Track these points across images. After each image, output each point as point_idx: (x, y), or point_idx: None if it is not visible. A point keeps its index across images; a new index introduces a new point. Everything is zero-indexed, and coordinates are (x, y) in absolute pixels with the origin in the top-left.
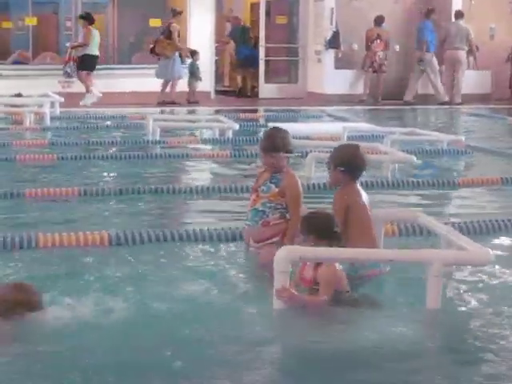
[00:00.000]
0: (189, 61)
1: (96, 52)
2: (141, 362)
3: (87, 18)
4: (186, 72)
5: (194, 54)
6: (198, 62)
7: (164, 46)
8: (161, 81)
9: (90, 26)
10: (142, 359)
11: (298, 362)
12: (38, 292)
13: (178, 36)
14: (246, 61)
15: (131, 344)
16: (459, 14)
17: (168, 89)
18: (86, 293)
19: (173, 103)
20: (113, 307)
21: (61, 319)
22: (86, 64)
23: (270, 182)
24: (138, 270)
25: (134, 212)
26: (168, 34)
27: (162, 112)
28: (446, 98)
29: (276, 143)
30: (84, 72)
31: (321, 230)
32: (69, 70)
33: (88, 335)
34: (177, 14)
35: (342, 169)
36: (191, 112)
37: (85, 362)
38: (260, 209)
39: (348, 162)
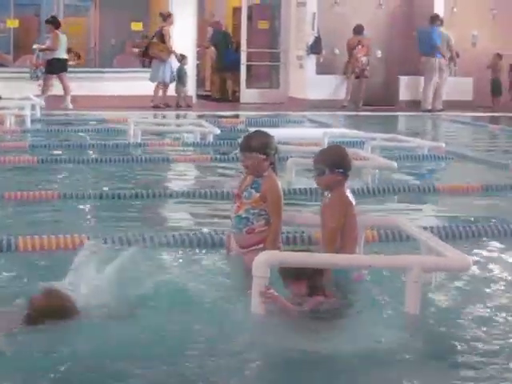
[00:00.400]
0: (177, 65)
1: (64, 55)
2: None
3: (53, 23)
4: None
5: (182, 58)
6: (185, 67)
7: (160, 48)
8: (153, 84)
9: (57, 31)
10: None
11: (278, 368)
12: (72, 298)
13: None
14: (230, 65)
15: (116, 353)
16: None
17: (160, 93)
18: None
19: (167, 106)
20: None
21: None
22: (55, 67)
23: (251, 188)
24: (118, 274)
25: (114, 216)
26: (160, 37)
27: (155, 116)
28: (429, 107)
29: (251, 143)
30: (54, 76)
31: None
32: (39, 74)
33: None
34: (167, 17)
35: (341, 170)
36: (177, 116)
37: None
38: (243, 216)
39: (342, 163)
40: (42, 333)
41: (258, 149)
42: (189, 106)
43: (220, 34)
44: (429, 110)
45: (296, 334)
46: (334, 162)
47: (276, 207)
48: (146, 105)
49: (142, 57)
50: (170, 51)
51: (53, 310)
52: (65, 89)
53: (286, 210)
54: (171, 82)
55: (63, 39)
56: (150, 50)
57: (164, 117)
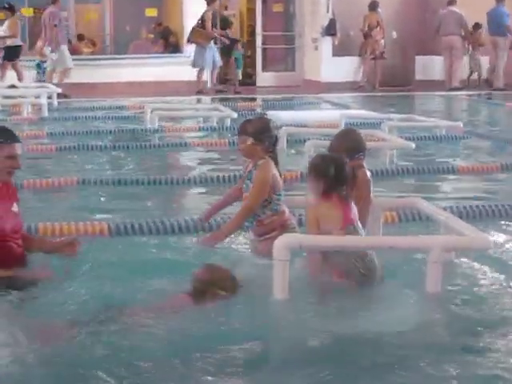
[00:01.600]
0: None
1: (20, 42)
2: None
3: (10, 9)
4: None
5: (235, 42)
6: (239, 51)
7: (198, 34)
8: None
9: (14, 17)
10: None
11: (298, 351)
12: (232, 275)
13: (213, 24)
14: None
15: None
16: (452, 1)
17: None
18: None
19: (221, 91)
20: (111, 296)
21: None
22: (12, 54)
23: (247, 179)
24: (139, 260)
25: (132, 202)
26: (202, 22)
27: (199, 101)
28: (501, 86)
29: (245, 127)
30: (10, 62)
31: (317, 169)
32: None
33: None
34: (211, 1)
35: (361, 154)
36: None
37: None
38: None
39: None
40: None
41: (251, 133)
42: (237, 92)
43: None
44: (494, 89)
45: (318, 318)
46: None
47: (253, 190)
48: (163, 90)
49: (187, 42)
50: (208, 36)
51: (215, 282)
52: (19, 75)
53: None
54: (215, 67)
55: (19, 25)
56: (191, 36)
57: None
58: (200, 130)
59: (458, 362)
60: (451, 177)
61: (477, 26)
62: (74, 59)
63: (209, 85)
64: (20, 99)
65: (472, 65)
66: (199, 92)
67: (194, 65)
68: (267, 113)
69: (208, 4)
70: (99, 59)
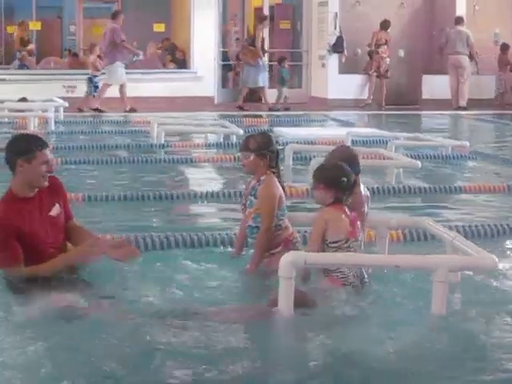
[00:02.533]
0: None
1: None
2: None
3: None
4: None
5: (281, 61)
6: (285, 69)
7: (246, 52)
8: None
9: None
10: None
11: (299, 364)
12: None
13: (262, 42)
14: None
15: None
16: (459, 20)
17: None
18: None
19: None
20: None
21: None
22: None
23: (251, 195)
24: (143, 274)
25: (138, 217)
26: (252, 40)
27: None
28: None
29: (247, 143)
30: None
31: (329, 178)
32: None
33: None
34: (262, 19)
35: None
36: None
37: None
38: (253, 225)
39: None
40: None
41: (254, 149)
42: (286, 109)
43: None
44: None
45: (322, 334)
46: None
47: (263, 209)
48: (169, 106)
49: (237, 60)
50: (256, 55)
51: None
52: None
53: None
54: (263, 86)
55: None
56: (240, 54)
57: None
58: (206, 145)
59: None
60: (457, 196)
61: (505, 46)
62: (80, 73)
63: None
64: (27, 113)
65: (498, 85)
66: (240, 107)
67: (243, 83)
68: (274, 129)
69: (259, 22)
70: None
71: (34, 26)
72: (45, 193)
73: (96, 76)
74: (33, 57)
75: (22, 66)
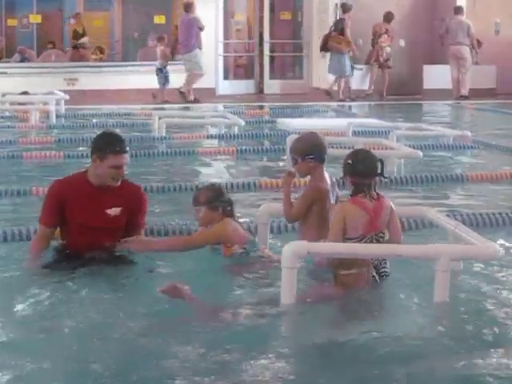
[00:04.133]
0: None
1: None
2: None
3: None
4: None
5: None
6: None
7: (339, 41)
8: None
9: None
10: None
11: (306, 357)
12: None
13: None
14: None
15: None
16: (459, 10)
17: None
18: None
19: (343, 100)
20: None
21: None
22: None
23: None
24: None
25: None
26: (341, 29)
27: (180, 109)
28: None
29: (195, 197)
30: None
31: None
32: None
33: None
34: (347, 9)
35: (311, 156)
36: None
37: None
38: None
39: (314, 149)
40: None
41: (204, 203)
42: (352, 99)
43: None
44: None
45: (326, 324)
46: (302, 150)
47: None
48: (171, 98)
49: (320, 50)
50: (349, 43)
51: None
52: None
53: None
54: (350, 74)
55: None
56: (329, 42)
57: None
58: (207, 137)
59: (466, 370)
60: (459, 185)
61: None
62: (81, 66)
63: (340, 95)
64: (28, 106)
65: None
66: (341, 100)
67: (331, 72)
68: (276, 120)
69: (345, 12)
70: (107, 66)
71: (35, 18)
72: (113, 191)
73: (166, 66)
74: (87, 50)
75: (23, 60)
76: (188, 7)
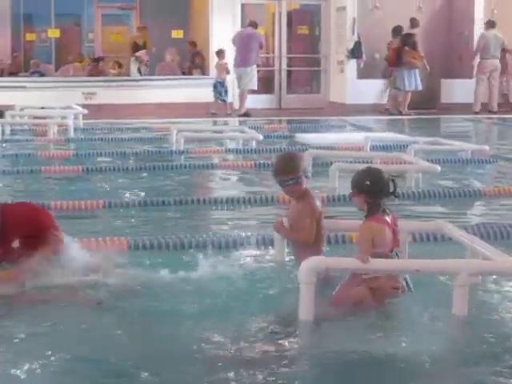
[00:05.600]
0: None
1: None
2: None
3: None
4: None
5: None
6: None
7: (413, 55)
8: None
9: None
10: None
11: (321, 371)
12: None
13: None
14: None
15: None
16: (492, 24)
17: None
18: None
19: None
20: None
21: None
22: None
23: None
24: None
25: (159, 223)
26: (412, 44)
27: (198, 123)
28: None
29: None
30: None
31: (355, 182)
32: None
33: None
34: (416, 24)
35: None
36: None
37: None
38: None
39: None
40: None
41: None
42: (408, 114)
43: None
44: None
45: (344, 338)
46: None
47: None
48: (190, 112)
49: (390, 66)
50: (421, 58)
51: None
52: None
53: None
54: (416, 89)
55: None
56: (404, 57)
57: (215, 123)
58: (225, 151)
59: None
60: (477, 200)
61: None
62: (99, 80)
63: (406, 108)
64: (47, 120)
65: None
66: (401, 114)
67: (400, 86)
68: (294, 135)
69: (414, 26)
70: (125, 80)
71: (53, 33)
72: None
73: (220, 82)
74: (142, 63)
75: (34, 73)
76: (253, 24)
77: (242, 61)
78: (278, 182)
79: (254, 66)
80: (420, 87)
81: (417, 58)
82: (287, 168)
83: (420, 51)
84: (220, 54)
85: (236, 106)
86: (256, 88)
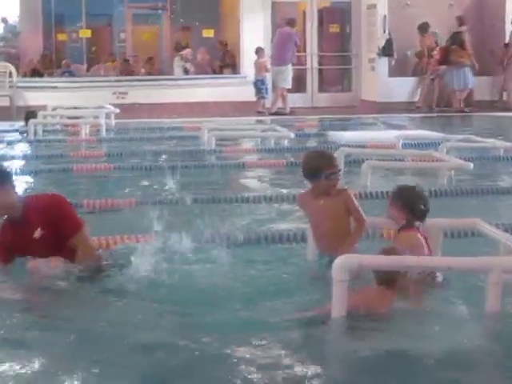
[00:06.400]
0: None
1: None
2: None
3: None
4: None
5: None
6: None
7: (461, 54)
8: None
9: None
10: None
11: (354, 368)
12: None
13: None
14: None
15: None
16: None
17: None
18: None
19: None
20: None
21: None
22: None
23: None
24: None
25: (190, 221)
26: (460, 42)
27: (257, 122)
28: None
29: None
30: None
31: (407, 200)
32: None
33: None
34: (463, 23)
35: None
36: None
37: None
38: None
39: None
40: None
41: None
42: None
43: None
44: None
45: (376, 336)
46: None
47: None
48: (221, 111)
49: (439, 64)
50: (470, 56)
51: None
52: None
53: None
54: (465, 87)
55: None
56: (451, 56)
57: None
58: (257, 150)
59: None
60: (510, 198)
61: None
62: (130, 80)
63: (461, 104)
64: (79, 120)
65: None
66: (460, 110)
67: (451, 84)
68: (327, 133)
69: (462, 24)
70: (157, 80)
71: (84, 33)
72: (25, 216)
73: (260, 80)
74: (188, 62)
75: (65, 73)
76: (290, 22)
77: (278, 59)
78: (326, 176)
79: (290, 65)
80: (470, 85)
81: (464, 57)
82: (333, 161)
83: (468, 49)
84: (259, 52)
85: (269, 104)
86: (290, 87)
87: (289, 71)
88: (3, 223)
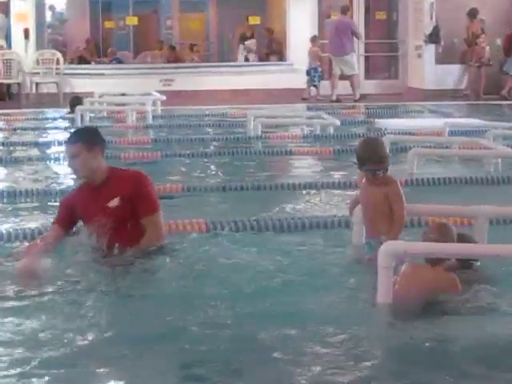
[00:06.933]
0: None
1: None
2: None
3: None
4: None
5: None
6: None
7: None
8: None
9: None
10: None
11: (396, 357)
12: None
13: None
14: None
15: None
16: None
17: None
18: None
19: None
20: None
21: None
22: None
23: None
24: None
25: (237, 207)
26: None
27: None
28: None
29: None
30: None
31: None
32: None
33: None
34: None
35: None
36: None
37: None
38: None
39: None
40: None
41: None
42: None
43: None
44: None
45: (419, 325)
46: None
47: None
48: (267, 98)
49: (505, 52)
50: None
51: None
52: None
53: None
54: None
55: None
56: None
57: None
58: (303, 137)
59: None
60: None
61: None
62: (176, 67)
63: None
64: (126, 107)
65: None
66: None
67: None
68: (374, 120)
69: None
70: (203, 67)
71: (131, 21)
72: (108, 184)
73: (314, 68)
74: (250, 53)
75: (113, 60)
76: (344, 10)
77: (337, 49)
78: (368, 169)
79: (353, 54)
80: None
81: None
82: (380, 158)
83: None
84: (313, 40)
85: (322, 92)
86: (356, 72)
87: (354, 59)
88: (79, 186)
